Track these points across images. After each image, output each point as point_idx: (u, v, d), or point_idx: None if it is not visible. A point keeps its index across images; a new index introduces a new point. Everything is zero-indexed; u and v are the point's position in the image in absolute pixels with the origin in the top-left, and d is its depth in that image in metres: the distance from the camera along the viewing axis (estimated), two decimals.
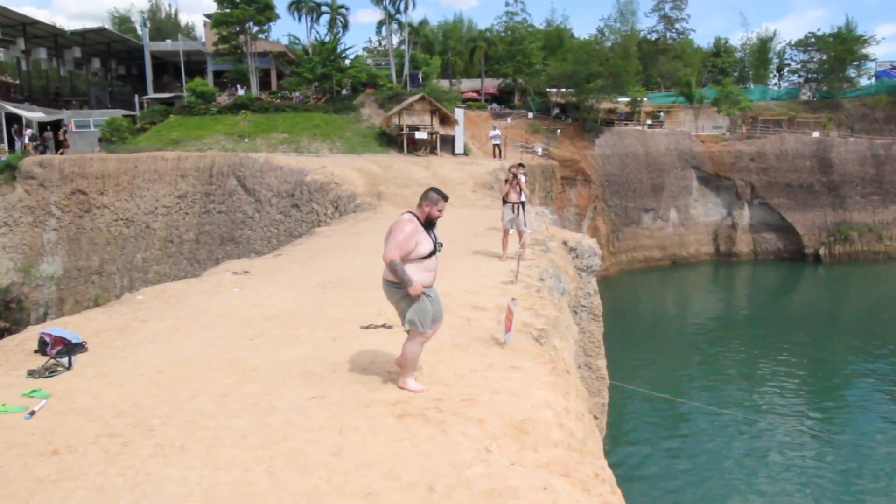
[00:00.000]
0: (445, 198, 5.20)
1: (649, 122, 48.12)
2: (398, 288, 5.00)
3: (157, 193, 27.84)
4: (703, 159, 45.64)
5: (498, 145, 33.93)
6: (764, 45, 61.69)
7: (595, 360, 13.16)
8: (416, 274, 4.96)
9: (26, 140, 30.99)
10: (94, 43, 42.50)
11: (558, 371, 6.23)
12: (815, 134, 46.81)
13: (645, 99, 49.16)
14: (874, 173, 45.60)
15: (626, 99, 46.84)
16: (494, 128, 35.00)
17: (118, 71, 47.89)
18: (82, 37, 40.88)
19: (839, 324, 31.78)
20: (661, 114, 49.61)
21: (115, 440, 4.37)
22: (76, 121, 34.91)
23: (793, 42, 59.03)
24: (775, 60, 62.53)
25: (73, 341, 6.37)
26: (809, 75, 56.63)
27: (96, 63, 44.54)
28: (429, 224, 5.11)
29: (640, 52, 52.54)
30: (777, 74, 63.23)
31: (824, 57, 53.67)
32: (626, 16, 51.07)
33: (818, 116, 49.69)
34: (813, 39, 55.19)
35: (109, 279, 27.11)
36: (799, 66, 58.49)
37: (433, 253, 5.08)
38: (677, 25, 60.11)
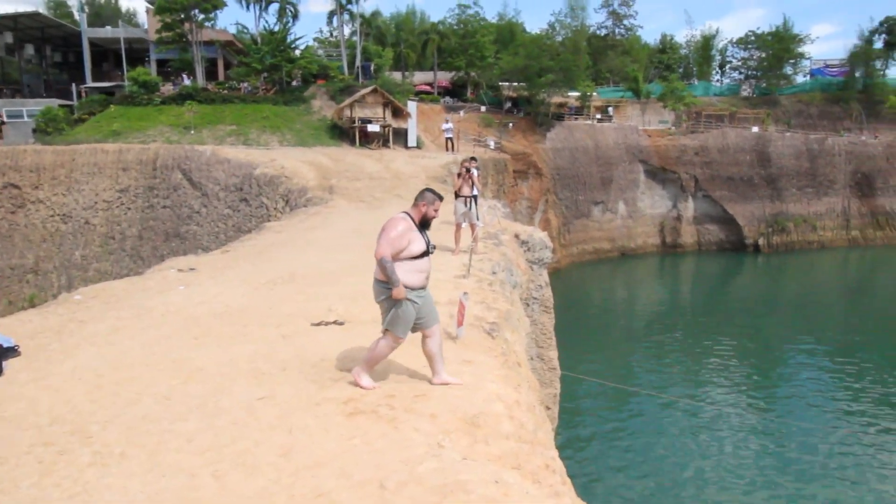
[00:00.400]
0: (441, 198, 5.20)
1: (598, 116, 49.06)
2: (387, 287, 4.91)
3: (96, 187, 26.76)
4: (649, 153, 46.85)
5: (450, 138, 33.92)
6: (707, 42, 63.62)
7: (547, 351, 13.37)
8: (407, 275, 4.89)
9: None
10: (27, 28, 40.40)
11: (510, 364, 6.30)
12: (755, 129, 48.69)
13: (594, 94, 50.05)
14: (808, 167, 47.78)
15: (576, 93, 47.59)
16: (447, 121, 34.96)
17: (54, 58, 45.67)
18: (14, 21, 38.81)
19: (777, 310, 33.23)
20: (610, 108, 50.62)
21: (51, 449, 4.18)
22: (8, 110, 33.18)
23: (734, 40, 61.13)
24: (718, 57, 64.58)
25: (4, 345, 6.06)
26: (749, 72, 58.72)
27: (30, 49, 42.42)
28: (423, 224, 5.09)
29: (589, 48, 53.34)
30: (720, 71, 65.34)
31: (763, 55, 55.78)
32: (576, 11, 51.71)
33: (757, 112, 51.69)
34: (753, 38, 57.25)
35: (46, 278, 25.94)
36: (740, 63, 60.58)
37: (426, 254, 5.03)
38: (625, 22, 61.33)
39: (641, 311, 34.01)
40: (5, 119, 32.42)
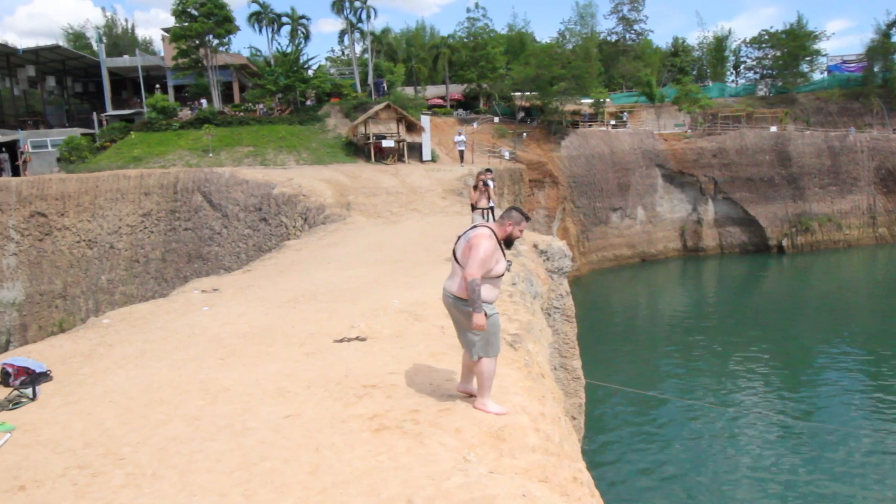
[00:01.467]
0: (528, 218, 5.10)
1: (613, 122, 48.92)
2: (467, 304, 4.81)
3: (120, 212, 27.28)
4: (666, 157, 46.53)
5: (463, 151, 33.93)
6: (720, 43, 63.25)
7: (570, 360, 13.29)
8: (488, 292, 4.86)
9: None
10: (49, 61, 41.50)
11: (533, 375, 6.28)
12: (773, 128, 48.14)
13: (608, 100, 49.96)
14: (830, 164, 47.05)
15: (589, 100, 47.53)
16: (459, 133, 34.78)
17: (75, 88, 46.79)
18: (35, 55, 39.88)
19: (804, 312, 32.65)
20: (624, 114, 50.47)
21: (85, 471, 4.26)
22: (33, 141, 34.02)
23: (748, 40, 60.70)
24: (732, 58, 64.13)
25: (38, 370, 6.19)
26: (765, 72, 58.22)
27: (51, 81, 43.49)
28: (507, 243, 5.02)
29: (600, 54, 53.36)
30: (734, 72, 64.87)
31: (778, 53, 55.29)
32: (585, 18, 51.82)
33: (775, 111, 51.12)
34: (766, 37, 56.80)
35: (74, 302, 26.43)
36: (754, 62, 60.11)
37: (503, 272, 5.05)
38: (636, 27, 61.28)
39: (665, 317, 33.63)
40: (30, 149, 33.23)
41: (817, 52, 55.58)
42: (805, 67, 56.02)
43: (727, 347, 26.45)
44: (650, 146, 46.52)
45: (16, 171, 31.38)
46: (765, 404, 20.53)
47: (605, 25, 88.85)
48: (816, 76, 56.81)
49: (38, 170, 31.78)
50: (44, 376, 6.22)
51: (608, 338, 27.68)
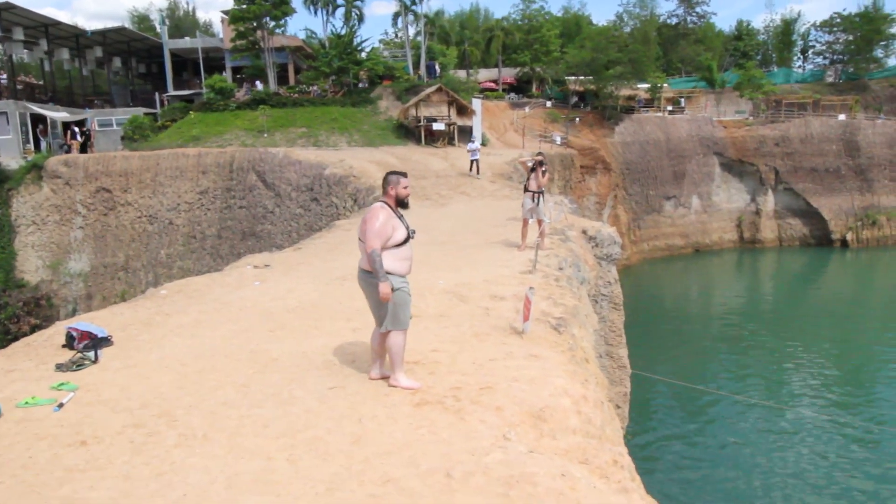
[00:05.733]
0: (405, 175, 5.24)
1: (670, 108, 47.52)
2: (373, 277, 4.97)
3: (179, 190, 28.21)
4: (725, 145, 44.98)
5: (476, 160, 26.99)
6: (788, 27, 60.45)
7: (616, 349, 13.11)
8: (395, 263, 4.97)
9: (74, 138, 31.43)
10: (115, 42, 43.05)
11: (577, 359, 6.22)
12: (842, 117, 45.84)
13: (665, 85, 48.52)
14: None
15: (645, 85, 46.28)
16: (472, 141, 28.79)
17: (139, 69, 48.44)
18: (103, 36, 41.41)
19: (868, 310, 31.17)
20: (682, 99, 48.94)
21: (141, 430, 4.47)
22: (99, 119, 35.45)
23: (818, 23, 57.79)
24: (800, 42, 61.26)
25: (99, 335, 6.51)
26: (835, 57, 55.42)
27: (117, 62, 45.08)
28: (401, 205, 5.16)
29: (659, 38, 51.81)
30: (801, 57, 61.95)
31: (850, 38, 52.49)
32: (645, 1, 50.34)
33: (844, 99, 48.64)
34: (838, 20, 53.95)
35: (135, 275, 27.59)
36: (824, 47, 57.25)
37: (407, 240, 5.10)
38: (697, 9, 59.09)
39: (717, 310, 32.66)
40: (96, 128, 34.65)
41: (893, 37, 52.46)
42: (879, 53, 53.07)
43: (782, 345, 25.53)
44: (708, 133, 45.02)
45: (83, 148, 32.77)
46: (818, 405, 19.75)
47: (666, 8, 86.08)
48: (891, 62, 53.80)
49: (103, 147, 33.12)
50: (105, 341, 6.53)
51: (657, 329, 27.11)
